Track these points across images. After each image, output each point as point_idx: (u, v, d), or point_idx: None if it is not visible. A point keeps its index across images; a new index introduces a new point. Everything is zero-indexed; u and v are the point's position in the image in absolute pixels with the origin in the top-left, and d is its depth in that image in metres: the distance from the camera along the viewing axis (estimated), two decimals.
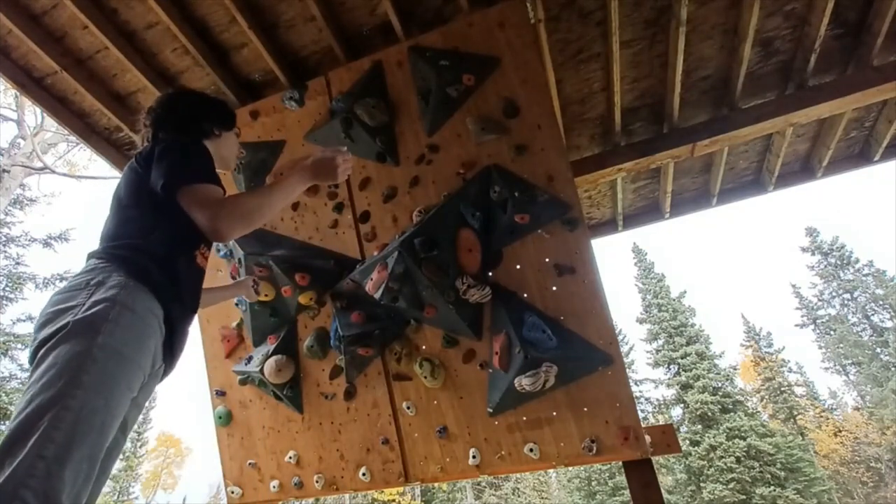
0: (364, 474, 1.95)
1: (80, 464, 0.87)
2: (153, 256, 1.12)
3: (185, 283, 1.20)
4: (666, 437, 1.74)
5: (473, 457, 1.79)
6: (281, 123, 2.40)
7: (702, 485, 20.08)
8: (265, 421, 2.19)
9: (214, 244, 1.45)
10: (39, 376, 0.91)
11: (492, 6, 2.08)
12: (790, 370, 25.76)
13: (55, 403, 0.87)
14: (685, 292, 25.44)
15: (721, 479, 19.52)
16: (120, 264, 1.08)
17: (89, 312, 0.97)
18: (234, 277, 2.24)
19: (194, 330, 1.51)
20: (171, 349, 1.17)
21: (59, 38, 2.31)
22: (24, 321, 14.23)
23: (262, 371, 2.09)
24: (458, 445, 1.84)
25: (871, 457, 22.04)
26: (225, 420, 2.25)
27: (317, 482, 2.02)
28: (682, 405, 22.57)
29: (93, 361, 0.93)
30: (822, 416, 24.64)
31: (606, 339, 1.71)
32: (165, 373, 1.22)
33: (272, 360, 2.10)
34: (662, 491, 1.63)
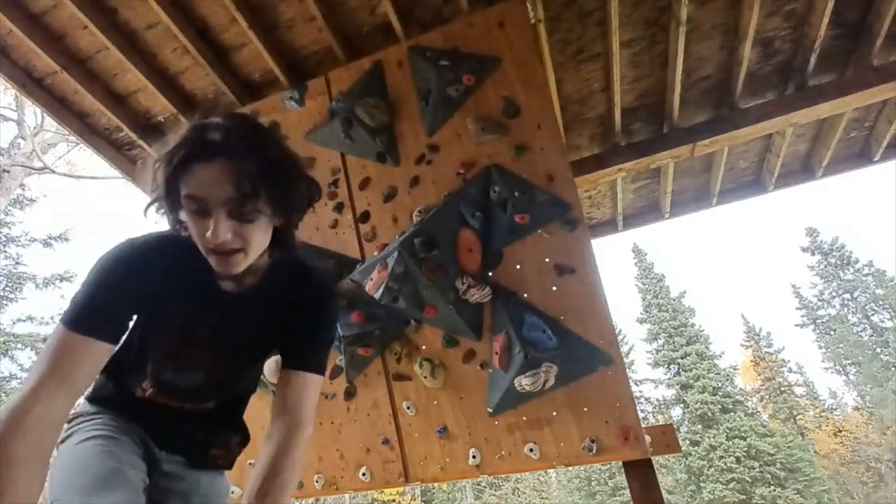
0: (364, 474, 1.95)
1: None
2: (92, 400, 1.09)
3: (133, 403, 1.11)
4: (666, 437, 1.74)
5: (473, 457, 1.79)
6: (281, 123, 2.39)
7: (702, 485, 20.09)
8: (265, 421, 2.18)
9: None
10: None
11: (492, 6, 2.08)
12: (790, 370, 25.76)
13: None
14: (685, 292, 25.45)
15: (721, 479, 19.52)
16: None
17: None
18: None
19: None
20: (157, 440, 1.11)
21: (59, 38, 2.31)
22: (24, 321, 14.26)
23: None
24: (458, 445, 1.83)
25: (871, 457, 22.03)
26: None
27: (317, 482, 2.02)
28: (682, 405, 22.59)
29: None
30: (822, 416, 24.64)
31: (606, 339, 1.70)
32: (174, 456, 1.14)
33: (272, 360, 2.09)
34: (662, 491, 1.63)
